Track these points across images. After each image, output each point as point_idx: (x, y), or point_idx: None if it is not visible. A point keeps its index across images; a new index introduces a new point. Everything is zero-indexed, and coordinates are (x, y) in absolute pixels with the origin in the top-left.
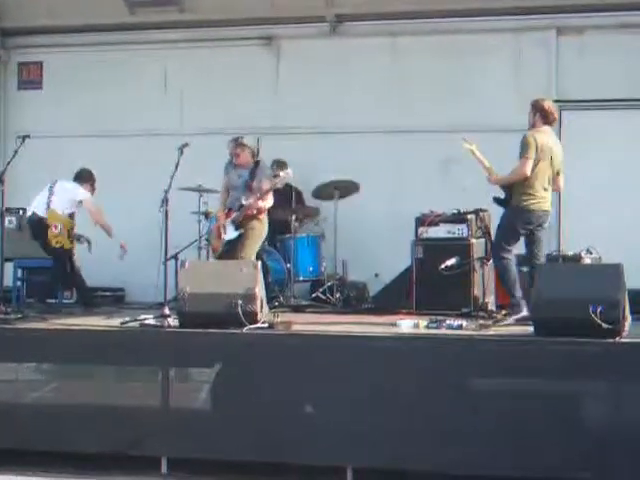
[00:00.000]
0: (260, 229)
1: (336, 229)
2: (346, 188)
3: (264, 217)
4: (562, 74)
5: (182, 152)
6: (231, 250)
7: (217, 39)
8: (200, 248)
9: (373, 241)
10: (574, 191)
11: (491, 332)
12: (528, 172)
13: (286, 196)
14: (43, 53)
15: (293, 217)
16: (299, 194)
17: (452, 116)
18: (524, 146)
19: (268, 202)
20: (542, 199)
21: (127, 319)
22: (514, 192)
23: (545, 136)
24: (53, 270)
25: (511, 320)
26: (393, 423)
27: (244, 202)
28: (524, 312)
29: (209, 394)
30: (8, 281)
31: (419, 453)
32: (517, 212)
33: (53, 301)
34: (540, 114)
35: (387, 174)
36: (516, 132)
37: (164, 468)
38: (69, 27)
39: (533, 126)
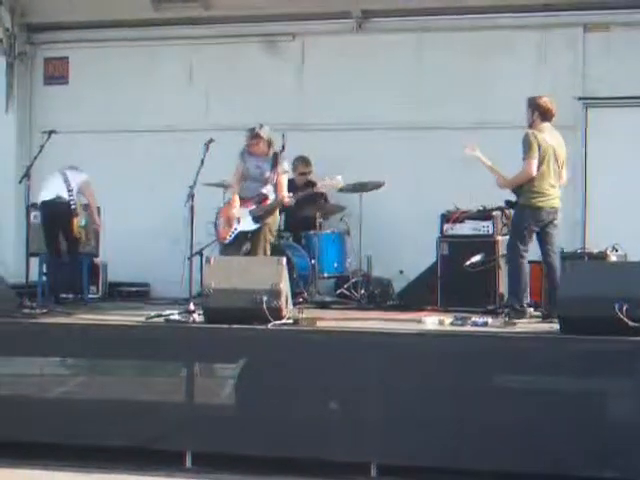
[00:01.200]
0: (274, 224)
1: (361, 225)
2: (369, 186)
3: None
4: (588, 71)
5: (207, 148)
6: (245, 242)
7: (242, 35)
8: None
9: (398, 237)
10: (599, 188)
11: (517, 329)
12: (534, 172)
13: (310, 193)
14: (69, 49)
15: (318, 213)
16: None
17: (478, 113)
18: (526, 146)
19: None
20: (550, 196)
21: (152, 314)
22: (521, 192)
23: (545, 133)
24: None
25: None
26: (418, 419)
27: (283, 198)
28: (525, 319)
29: (233, 389)
30: (33, 276)
31: (443, 449)
32: (526, 211)
33: (69, 296)
34: (538, 111)
35: (412, 170)
36: None
37: (188, 462)
38: (94, 23)
39: (532, 124)
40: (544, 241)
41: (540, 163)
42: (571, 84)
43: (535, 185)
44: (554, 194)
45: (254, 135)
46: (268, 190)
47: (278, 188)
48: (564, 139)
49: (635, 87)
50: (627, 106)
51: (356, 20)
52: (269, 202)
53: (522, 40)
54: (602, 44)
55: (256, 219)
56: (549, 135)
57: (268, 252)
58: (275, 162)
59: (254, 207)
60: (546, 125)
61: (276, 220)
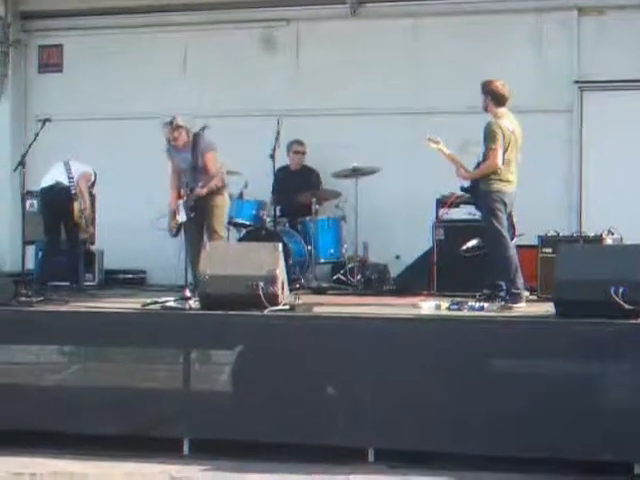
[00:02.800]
0: (222, 203)
1: (357, 211)
2: (365, 171)
3: (224, 190)
4: (583, 55)
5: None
6: (194, 232)
7: (236, 21)
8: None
9: (394, 223)
10: (595, 172)
11: (513, 314)
12: (500, 163)
13: (306, 178)
14: (63, 36)
15: (314, 200)
16: (317, 176)
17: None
18: (490, 136)
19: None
20: (511, 182)
21: (148, 301)
22: (485, 179)
23: (506, 120)
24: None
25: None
26: (415, 404)
27: (197, 190)
28: (522, 303)
29: (230, 376)
30: (29, 264)
31: (440, 434)
32: (491, 195)
33: (66, 284)
34: (491, 96)
35: (407, 156)
36: (537, 113)
37: (186, 449)
38: (89, 10)
39: (486, 109)
40: None
41: (504, 151)
42: (566, 68)
43: (499, 173)
44: (514, 180)
45: (175, 127)
46: (198, 177)
47: (208, 166)
48: (560, 123)
49: (630, 70)
50: (623, 89)
51: (351, 5)
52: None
53: (517, 24)
54: (597, 27)
55: (189, 210)
56: (507, 120)
57: (222, 232)
58: (195, 144)
59: (185, 198)
60: (503, 110)
61: (225, 201)
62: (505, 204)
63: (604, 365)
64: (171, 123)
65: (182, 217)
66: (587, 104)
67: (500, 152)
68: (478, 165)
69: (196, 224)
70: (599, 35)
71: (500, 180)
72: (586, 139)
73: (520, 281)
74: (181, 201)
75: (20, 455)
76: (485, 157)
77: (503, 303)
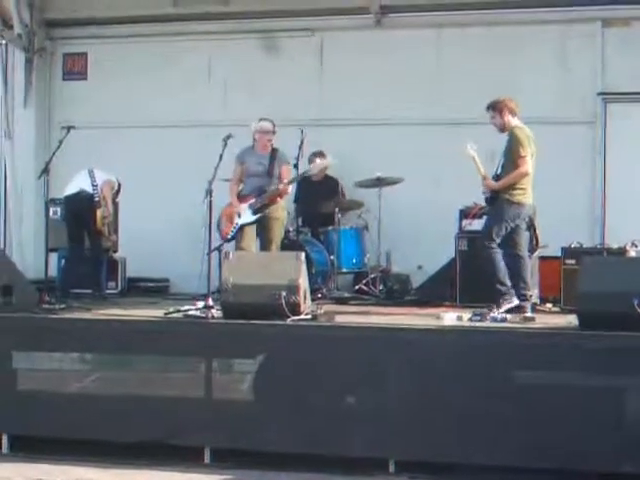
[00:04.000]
0: (283, 217)
1: (379, 221)
2: (389, 180)
3: (284, 202)
4: (607, 66)
5: (226, 143)
6: (248, 239)
7: (261, 30)
8: None
9: (416, 233)
10: (619, 184)
11: (536, 325)
12: (530, 170)
13: (329, 188)
14: (88, 44)
15: (336, 209)
16: (339, 186)
17: None
18: (518, 144)
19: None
20: (529, 193)
21: (171, 310)
22: (507, 189)
23: (526, 129)
24: (93, 258)
25: (502, 311)
26: (436, 416)
27: (278, 185)
28: (515, 301)
29: (252, 385)
30: (52, 271)
31: (462, 445)
32: (509, 205)
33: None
34: (507, 110)
35: (430, 166)
36: (561, 124)
37: (207, 458)
38: (113, 18)
39: (504, 125)
40: (515, 233)
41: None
42: (590, 79)
43: (523, 183)
44: (531, 191)
45: (273, 131)
46: (270, 184)
47: (283, 177)
48: (584, 134)
49: None
50: None
51: (375, 16)
52: (268, 192)
53: (541, 35)
54: (621, 39)
55: (255, 211)
56: (527, 130)
57: (278, 245)
58: (274, 156)
59: (253, 201)
60: (518, 121)
61: (285, 215)
62: (520, 219)
63: (626, 377)
64: (272, 125)
65: (245, 219)
66: (611, 116)
67: (529, 160)
68: (497, 178)
69: (253, 231)
70: (623, 47)
71: (523, 192)
72: (610, 151)
73: (508, 282)
74: (246, 204)
75: (41, 462)
76: (513, 165)
77: (500, 309)
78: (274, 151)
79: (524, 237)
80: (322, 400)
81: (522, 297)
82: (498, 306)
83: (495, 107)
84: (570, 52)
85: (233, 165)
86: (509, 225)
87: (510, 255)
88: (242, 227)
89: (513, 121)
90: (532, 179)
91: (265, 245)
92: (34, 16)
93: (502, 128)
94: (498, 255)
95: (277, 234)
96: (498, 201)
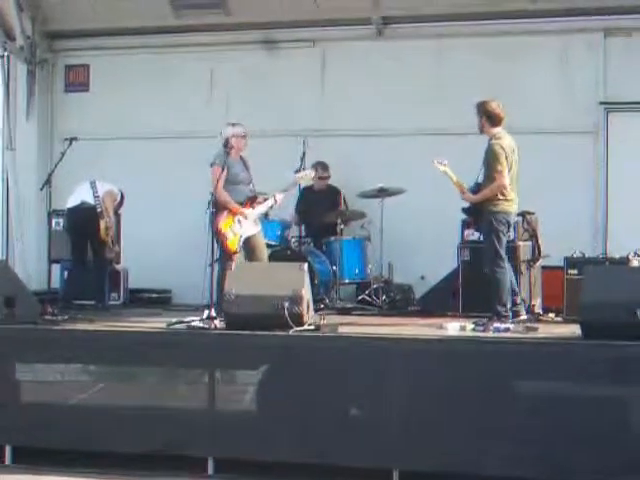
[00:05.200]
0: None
1: (382, 231)
2: (391, 191)
3: None
4: (609, 76)
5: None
6: (254, 248)
7: (262, 41)
8: None
9: (419, 243)
10: (621, 193)
11: (538, 335)
12: (507, 183)
13: (331, 199)
14: (90, 56)
15: (339, 220)
16: (342, 196)
17: None
18: (494, 158)
19: None
20: (513, 201)
21: (174, 321)
22: (489, 199)
23: (506, 140)
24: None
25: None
26: (440, 426)
27: (277, 197)
28: (508, 325)
29: (255, 396)
30: (55, 283)
31: (465, 456)
32: (495, 216)
33: (91, 303)
34: (485, 116)
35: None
36: (562, 134)
37: (210, 469)
38: (115, 30)
39: (482, 130)
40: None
41: (508, 171)
42: (592, 89)
43: (505, 193)
44: (516, 199)
45: (245, 135)
46: (254, 191)
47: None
48: (586, 144)
49: None
50: None
51: (376, 26)
52: (264, 203)
53: (543, 45)
54: (623, 49)
55: (255, 222)
56: (507, 140)
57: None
58: (245, 162)
59: (249, 210)
60: (499, 130)
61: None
62: (509, 225)
63: (630, 387)
64: (242, 126)
65: (249, 230)
66: (613, 125)
67: (505, 173)
68: (477, 187)
69: (261, 239)
70: (625, 56)
71: (505, 200)
72: (612, 160)
73: (509, 304)
74: (251, 210)
75: (45, 474)
76: (490, 179)
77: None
78: (241, 158)
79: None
80: (325, 410)
81: (513, 302)
82: (491, 321)
83: (478, 109)
84: (572, 62)
85: (210, 171)
86: (504, 234)
87: None
88: (246, 240)
89: (491, 129)
90: (514, 184)
91: (256, 253)
92: (36, 28)
93: (480, 129)
94: (506, 276)
95: (263, 252)
96: (484, 215)
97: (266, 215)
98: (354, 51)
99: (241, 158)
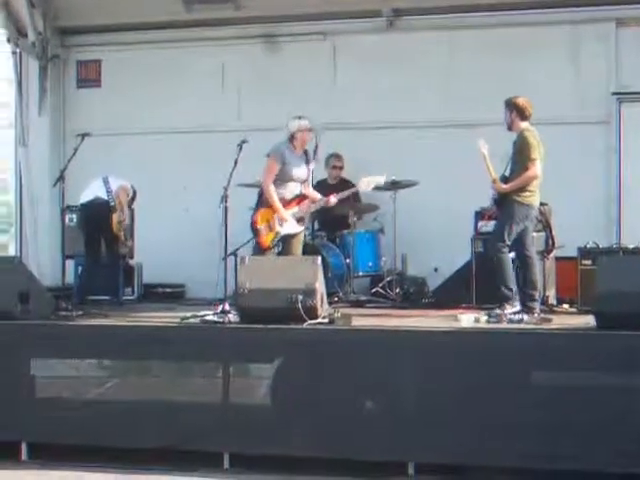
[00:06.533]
0: (303, 234)
1: (395, 224)
2: (404, 184)
3: None
4: (621, 66)
5: (241, 148)
6: (289, 248)
7: (273, 35)
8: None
9: (432, 235)
10: (635, 183)
11: (553, 326)
12: (539, 173)
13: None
14: (101, 51)
15: (352, 212)
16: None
17: None
18: (528, 147)
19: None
20: (538, 195)
21: (188, 315)
22: (518, 190)
23: (535, 132)
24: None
25: (507, 314)
26: (455, 418)
27: (333, 198)
28: (517, 306)
29: (270, 390)
30: (69, 278)
31: (480, 447)
32: (519, 207)
33: (105, 298)
34: (516, 111)
35: (445, 168)
36: (575, 125)
37: (226, 463)
38: (126, 25)
39: (511, 125)
40: (524, 234)
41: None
42: (604, 79)
43: (532, 184)
44: (539, 193)
45: (311, 128)
46: (305, 190)
47: (311, 186)
48: (599, 135)
49: None
50: None
51: (387, 19)
52: (313, 203)
53: (554, 36)
54: (635, 39)
55: (299, 221)
56: (535, 134)
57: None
58: (308, 159)
59: (296, 209)
60: (527, 125)
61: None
62: (529, 220)
63: None
64: (305, 119)
65: (290, 229)
66: (625, 115)
67: (538, 163)
68: (504, 179)
69: (299, 242)
70: (637, 46)
71: (532, 193)
72: (625, 150)
73: (514, 287)
74: (290, 211)
75: (61, 469)
76: (522, 169)
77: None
78: (307, 153)
79: (531, 238)
80: (340, 404)
81: (530, 298)
82: (501, 309)
83: (507, 104)
84: (584, 52)
85: (254, 170)
86: (519, 226)
87: (518, 256)
88: (285, 238)
89: (522, 124)
90: (540, 181)
91: (290, 251)
92: (47, 24)
93: (508, 126)
94: (508, 258)
95: (299, 252)
96: (508, 202)
97: None
98: (365, 44)
99: (305, 153)
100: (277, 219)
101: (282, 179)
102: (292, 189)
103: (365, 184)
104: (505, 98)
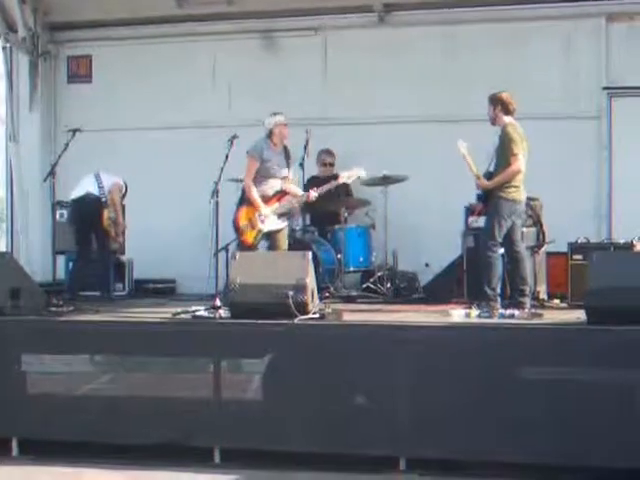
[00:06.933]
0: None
1: (386, 219)
2: (395, 179)
3: None
4: (612, 61)
5: (232, 144)
6: (274, 244)
7: (265, 30)
8: None
9: (423, 231)
10: (625, 178)
11: (543, 321)
12: (522, 168)
13: (335, 187)
14: (92, 47)
15: (343, 208)
16: (347, 185)
17: None
18: (510, 142)
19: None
20: (522, 190)
21: (179, 311)
22: (498, 185)
23: (518, 127)
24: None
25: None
26: (446, 413)
27: (313, 193)
28: (499, 308)
29: (261, 384)
30: (60, 274)
31: (472, 442)
32: (504, 202)
33: (96, 294)
34: (501, 106)
35: (436, 163)
36: (566, 119)
37: (217, 459)
38: (117, 20)
39: (495, 120)
40: (512, 232)
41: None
42: (595, 74)
43: (516, 179)
44: (523, 188)
45: (286, 123)
46: (285, 186)
47: (292, 183)
48: (590, 129)
49: None
50: None
51: (378, 14)
52: (294, 198)
53: (546, 31)
54: (626, 34)
55: (281, 217)
56: (518, 129)
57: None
58: (287, 154)
59: (276, 205)
60: (511, 119)
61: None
62: (516, 215)
63: (636, 372)
64: (281, 115)
65: (272, 225)
66: (616, 110)
67: (521, 158)
68: (489, 175)
69: (284, 237)
70: (628, 41)
71: (517, 188)
72: (615, 145)
73: (498, 290)
74: (270, 207)
75: (51, 465)
76: (505, 164)
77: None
78: (286, 149)
79: (520, 233)
80: (331, 399)
81: (520, 293)
82: (479, 308)
83: (491, 99)
84: (575, 47)
85: (245, 166)
86: (507, 222)
87: (508, 252)
88: (270, 234)
89: (505, 118)
90: (524, 176)
91: (276, 247)
92: (38, 19)
93: (492, 121)
94: (498, 259)
95: (284, 247)
96: (493, 199)
97: None
98: (356, 39)
99: (285, 149)
100: (258, 216)
101: (263, 176)
102: (273, 185)
103: (345, 178)
104: (489, 94)
